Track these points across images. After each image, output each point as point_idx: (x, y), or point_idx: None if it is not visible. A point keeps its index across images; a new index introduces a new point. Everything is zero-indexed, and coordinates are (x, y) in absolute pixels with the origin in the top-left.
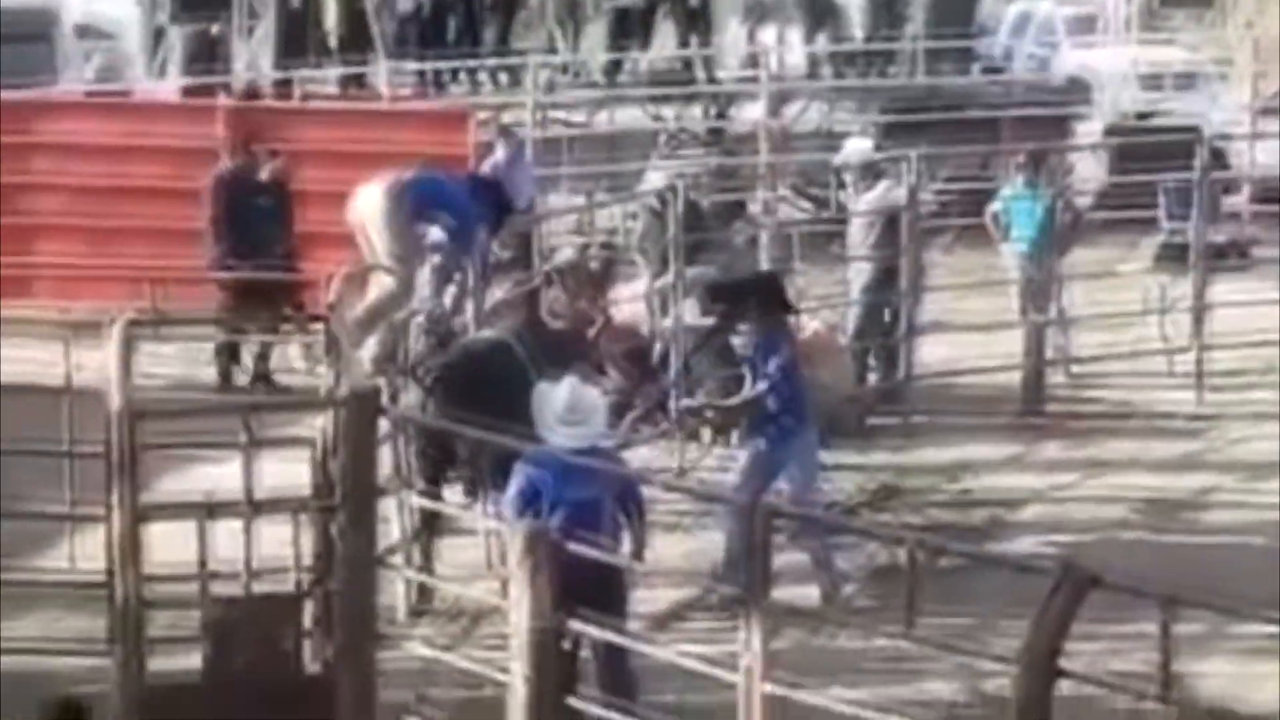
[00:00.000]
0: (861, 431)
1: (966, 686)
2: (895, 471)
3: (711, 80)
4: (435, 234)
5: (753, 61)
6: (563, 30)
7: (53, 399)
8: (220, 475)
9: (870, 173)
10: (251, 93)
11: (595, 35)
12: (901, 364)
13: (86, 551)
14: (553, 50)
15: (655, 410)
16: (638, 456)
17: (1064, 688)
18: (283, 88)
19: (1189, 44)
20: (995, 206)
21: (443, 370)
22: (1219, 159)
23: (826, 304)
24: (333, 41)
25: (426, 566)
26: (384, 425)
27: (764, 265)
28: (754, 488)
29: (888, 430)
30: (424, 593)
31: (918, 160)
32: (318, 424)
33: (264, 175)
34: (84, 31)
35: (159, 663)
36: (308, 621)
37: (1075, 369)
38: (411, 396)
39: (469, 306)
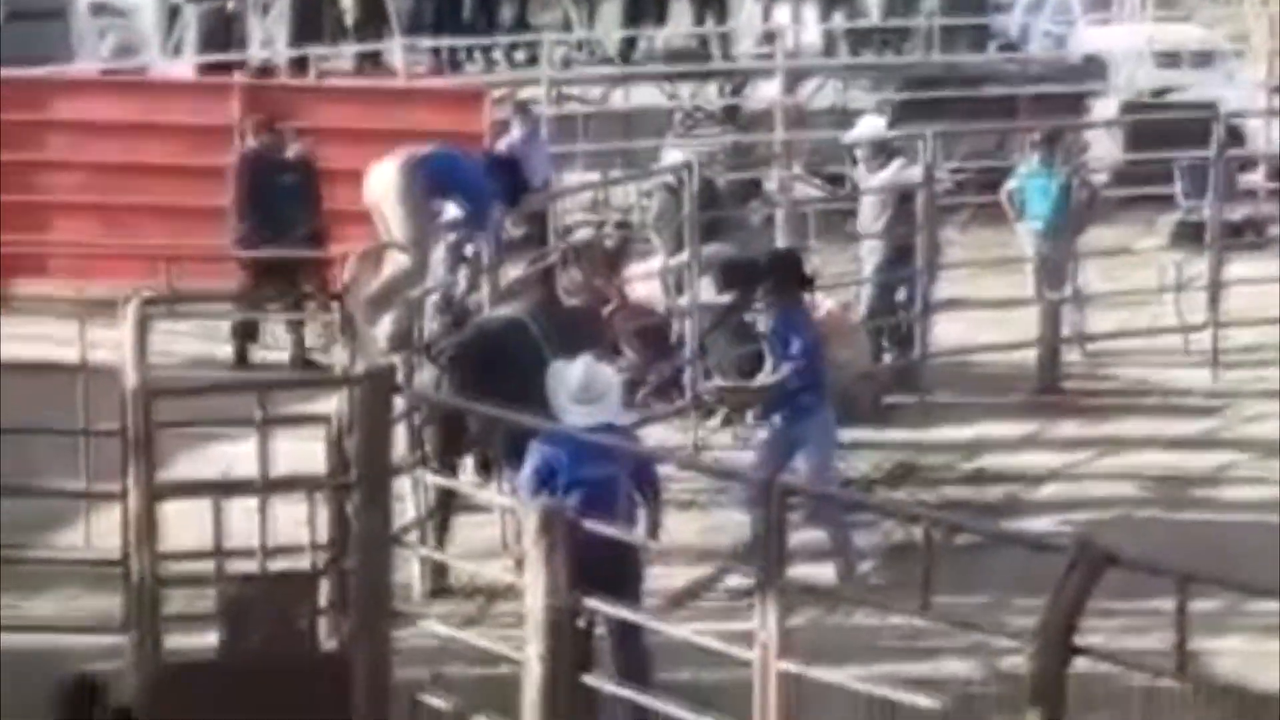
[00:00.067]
0: (877, 410)
1: (982, 664)
2: (911, 450)
3: (727, 58)
4: (450, 212)
5: (768, 39)
6: (578, 8)
7: (68, 378)
8: (235, 454)
9: (882, 151)
10: (266, 71)
11: (610, 13)
12: (917, 343)
13: (102, 530)
14: (568, 28)
15: (670, 388)
16: (653, 434)
17: (1079, 665)
18: (298, 66)
19: (1205, 21)
20: (1011, 185)
21: (458, 349)
22: (1235, 137)
23: (841, 282)
24: (348, 20)
25: (441, 545)
26: (399, 404)
27: (779, 244)
28: (772, 466)
29: (903, 409)
30: (439, 571)
31: (933, 138)
32: (333, 403)
33: (289, 154)
34: (99, 10)
35: (174, 641)
36: (323, 600)
37: (1091, 347)
38: (426, 375)
39: (484, 285)
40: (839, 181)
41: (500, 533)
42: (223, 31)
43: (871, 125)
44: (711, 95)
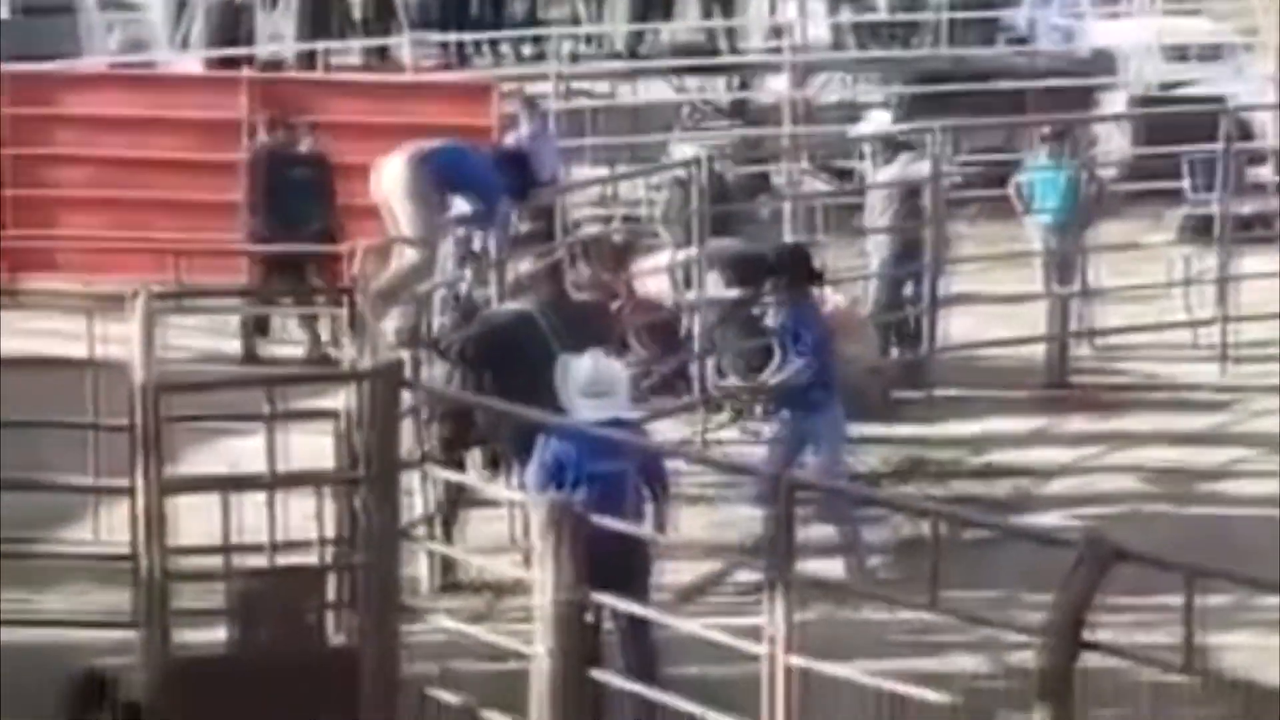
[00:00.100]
0: (885, 405)
1: (991, 659)
2: (919, 445)
3: (735, 53)
4: (459, 206)
5: (776, 34)
6: (586, 3)
7: (77, 373)
8: (244, 449)
9: (889, 146)
10: (274, 66)
11: (618, 8)
12: (925, 337)
13: (111, 525)
14: (576, 23)
15: (679, 383)
16: (661, 429)
17: (1088, 660)
18: (306, 60)
19: (1215, 15)
20: (1019, 179)
21: (468, 343)
22: (1244, 131)
23: (848, 277)
24: (356, 14)
25: (450, 540)
26: (408, 399)
27: (788, 238)
28: (782, 461)
29: (912, 404)
30: (448, 566)
31: (942, 133)
32: (342, 398)
33: (303, 149)
34: (107, 4)
35: (184, 636)
36: (332, 595)
37: (1099, 342)
38: (436, 370)
39: (492, 280)
40: (847, 176)
41: (509, 527)
42: (231, 26)
43: (878, 120)
44: (719, 90)
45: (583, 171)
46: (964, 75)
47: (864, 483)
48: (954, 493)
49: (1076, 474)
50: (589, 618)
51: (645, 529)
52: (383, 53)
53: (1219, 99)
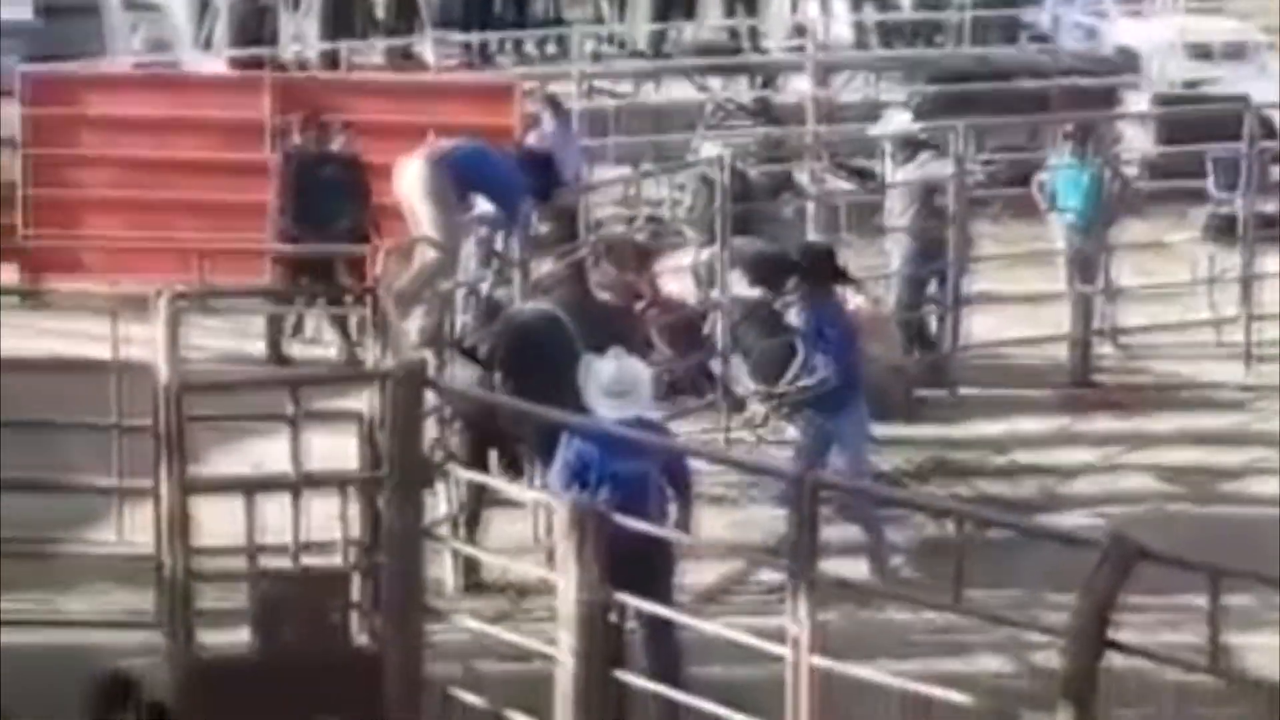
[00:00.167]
0: (909, 405)
1: (1015, 660)
2: (942, 445)
3: (758, 51)
4: (481, 206)
5: (799, 32)
6: (609, 2)
7: (100, 374)
8: (268, 449)
9: (908, 145)
10: (298, 66)
11: (641, 7)
12: (949, 336)
13: (135, 526)
14: (599, 21)
15: (702, 382)
16: (684, 428)
17: (1112, 660)
18: (329, 60)
19: (1238, 13)
20: (1042, 177)
21: (491, 343)
22: (1268, 129)
23: (870, 276)
24: (379, 13)
25: (474, 540)
26: (431, 399)
27: (812, 237)
28: (809, 460)
29: (935, 403)
30: (471, 567)
31: (965, 131)
32: (365, 398)
33: (334, 147)
34: (131, 4)
35: (207, 637)
36: (355, 595)
37: (1123, 341)
38: (458, 369)
39: (515, 279)
40: (868, 175)
41: (532, 528)
42: (254, 26)
43: (898, 119)
44: (742, 89)
45: (605, 171)
46: (986, 74)
47: (887, 482)
48: (977, 492)
49: (1100, 473)
50: (612, 618)
51: (668, 529)
52: (406, 52)
53: (1242, 97)
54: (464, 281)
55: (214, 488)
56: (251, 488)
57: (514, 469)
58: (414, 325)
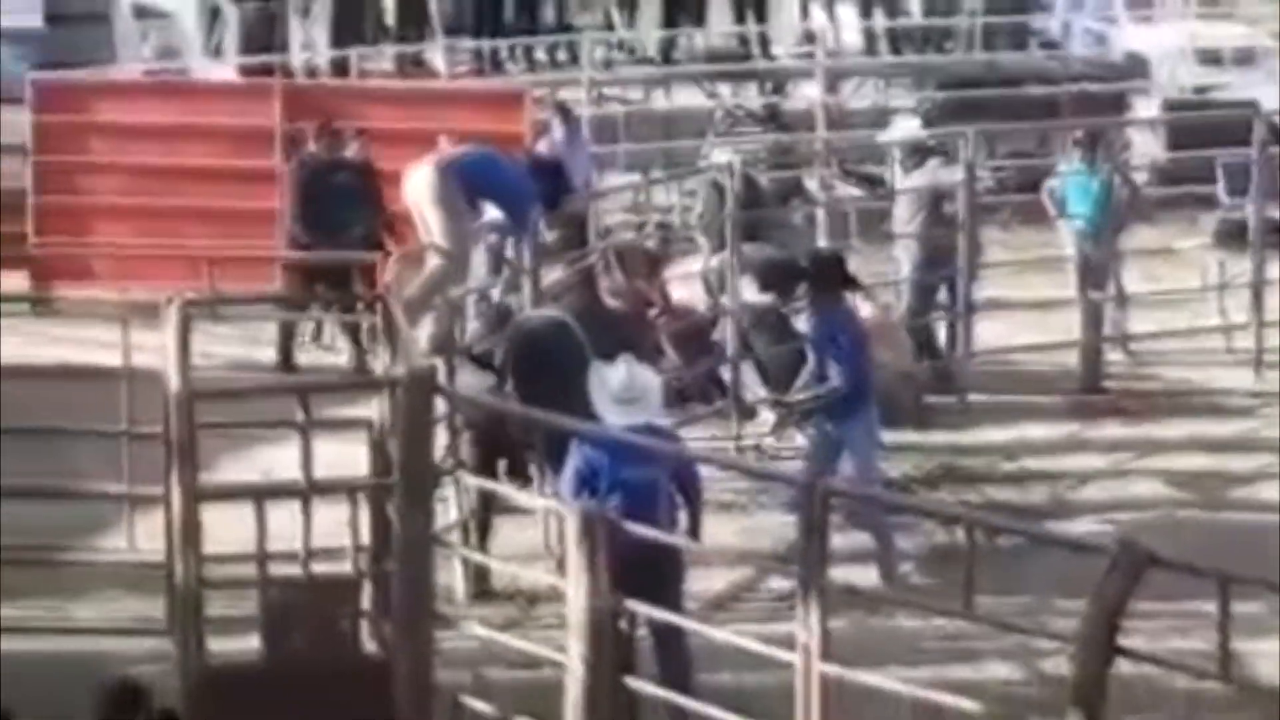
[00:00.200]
0: (918, 411)
1: (1024, 666)
2: (952, 451)
3: (767, 58)
4: (491, 212)
5: (808, 39)
6: (619, 8)
7: (110, 381)
8: (277, 456)
9: (916, 151)
10: (309, 73)
11: (650, 13)
12: (959, 343)
13: (145, 533)
14: (609, 28)
15: (711, 388)
16: (693, 435)
17: (1121, 667)
18: (339, 67)
19: (1248, 19)
20: (1052, 183)
21: (501, 350)
22: (1277, 135)
23: (878, 282)
24: (389, 20)
25: (483, 547)
26: (440, 406)
27: (821, 243)
28: (819, 467)
29: (944, 410)
30: (481, 574)
31: (974, 137)
32: (374, 405)
33: (347, 154)
34: (141, 12)
35: (217, 644)
36: (365, 603)
37: (1133, 347)
38: (468, 376)
39: (524, 286)
40: (876, 181)
41: (542, 535)
42: (264, 33)
43: (906, 126)
44: (752, 95)
45: (615, 178)
46: (996, 80)
47: (896, 489)
48: (986, 499)
49: (1109, 480)
50: (622, 625)
51: (677, 536)
52: (415, 59)
53: (1252, 103)
54: (474, 288)
55: (223, 495)
56: (261, 495)
57: (519, 475)
58: (423, 332)
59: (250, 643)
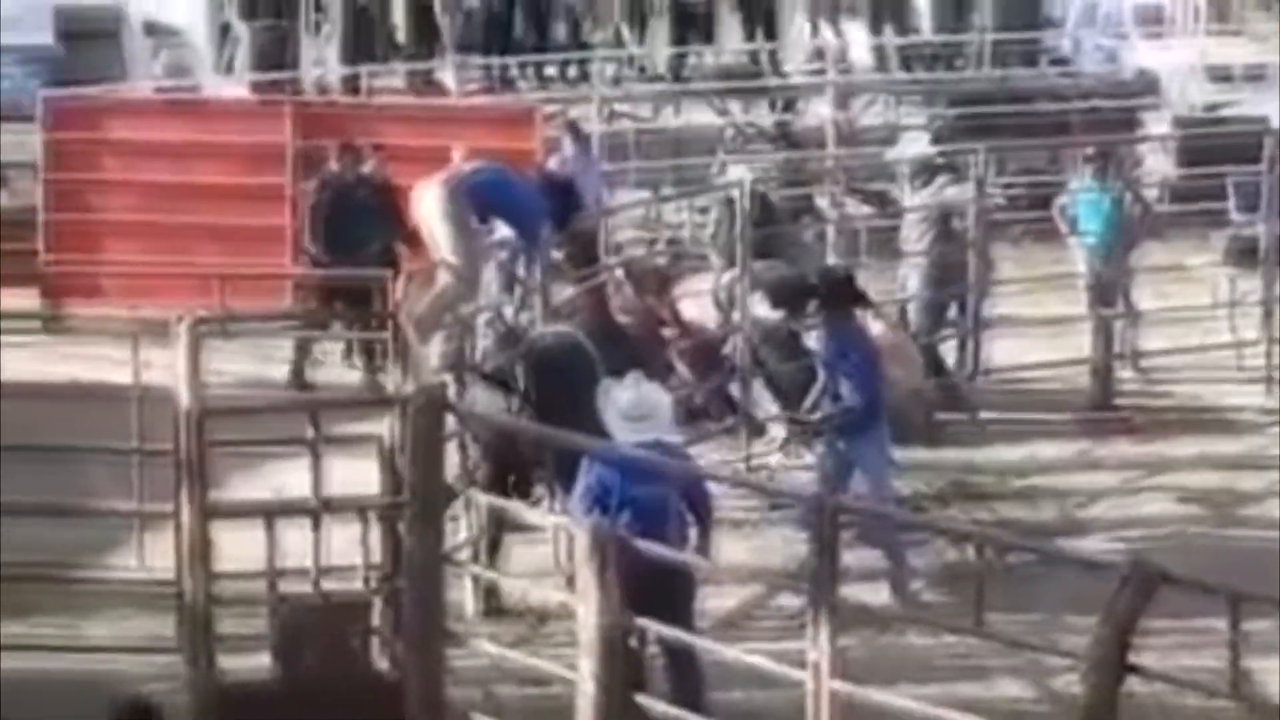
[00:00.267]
0: (929, 428)
1: (1035, 684)
2: (963, 469)
3: (778, 75)
4: (502, 230)
5: (819, 56)
6: (629, 26)
7: (121, 399)
8: (288, 474)
9: (925, 169)
10: (319, 90)
11: (660, 31)
12: (969, 360)
13: (156, 551)
14: (619, 46)
15: (722, 406)
16: (704, 453)
17: (1132, 685)
18: (350, 85)
19: (1258, 37)
20: (1063, 201)
21: (517, 368)
22: None
23: (889, 300)
24: (400, 38)
25: (494, 565)
26: (451, 424)
27: (832, 261)
28: (832, 485)
29: (955, 427)
30: (492, 591)
31: (985, 155)
32: (386, 423)
33: (365, 170)
34: (152, 29)
35: (228, 662)
36: (376, 621)
37: (1144, 365)
38: (479, 394)
39: (535, 303)
40: (886, 200)
41: (553, 552)
42: (275, 51)
43: (914, 144)
44: (762, 113)
45: (625, 195)
46: (1007, 97)
47: (908, 507)
48: (997, 517)
49: (1121, 497)
50: (632, 643)
51: (688, 554)
52: (427, 77)
53: (1262, 120)
54: (485, 306)
55: (234, 513)
56: (272, 513)
57: (524, 492)
58: (434, 350)
59: (261, 661)
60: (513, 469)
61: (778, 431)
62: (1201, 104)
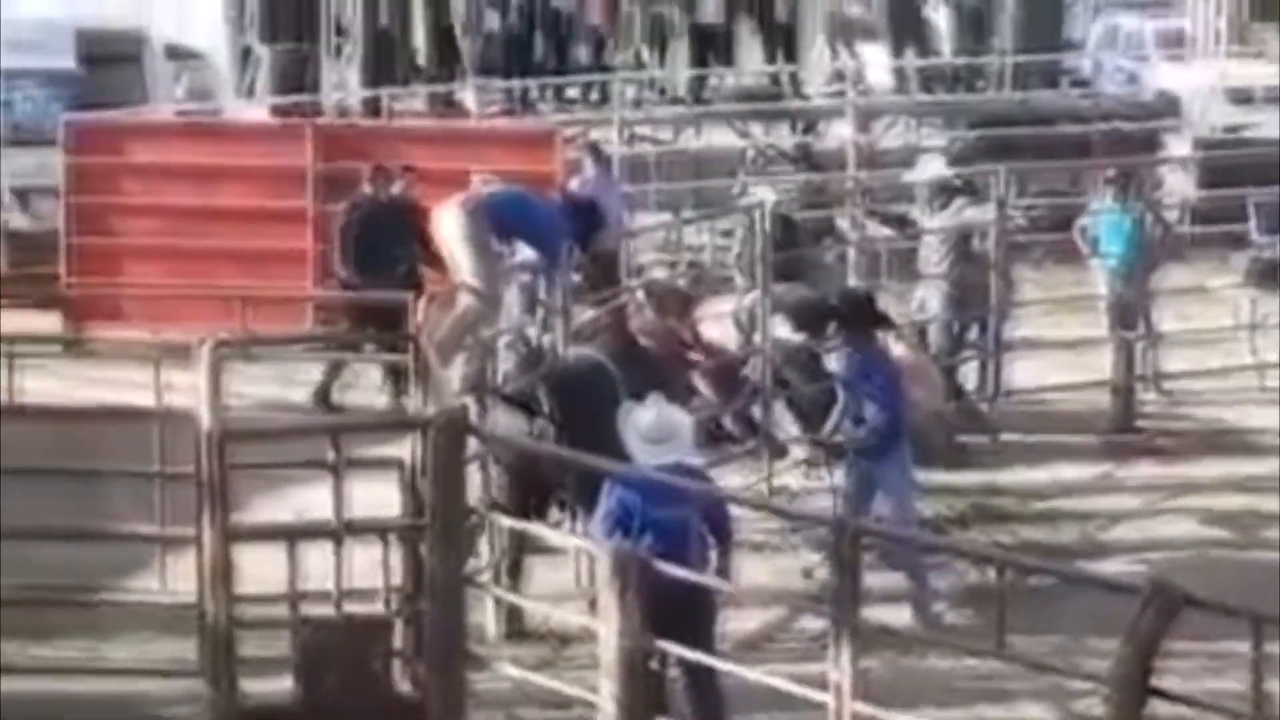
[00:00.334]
0: (950, 451)
1: (1057, 707)
2: (985, 491)
3: (798, 97)
4: (524, 252)
5: (839, 78)
6: (650, 48)
7: (143, 421)
8: (310, 497)
9: (943, 191)
10: (339, 112)
11: (680, 53)
12: (990, 382)
13: (177, 574)
14: (640, 68)
15: (743, 428)
16: (725, 475)
17: (1155, 708)
18: (371, 107)
19: (1278, 57)
20: (1084, 222)
21: (540, 390)
22: None
23: (910, 322)
24: (421, 60)
25: (516, 588)
26: (473, 446)
27: (853, 283)
28: (852, 507)
29: (976, 449)
30: (514, 614)
31: (1006, 176)
32: (407, 445)
33: (394, 190)
34: (174, 52)
35: (250, 685)
36: (398, 643)
37: (1165, 386)
38: (500, 417)
39: (557, 326)
40: (906, 222)
41: (574, 575)
42: (296, 74)
43: (932, 165)
44: (783, 135)
45: (646, 217)
46: (1028, 119)
47: (929, 529)
48: (1019, 539)
49: (1142, 519)
50: (654, 666)
51: (709, 576)
52: (447, 99)
53: None
54: (506, 328)
55: (256, 535)
56: (294, 535)
57: (544, 514)
58: (456, 372)
59: (283, 684)
60: (534, 491)
61: (799, 453)
62: (1222, 125)
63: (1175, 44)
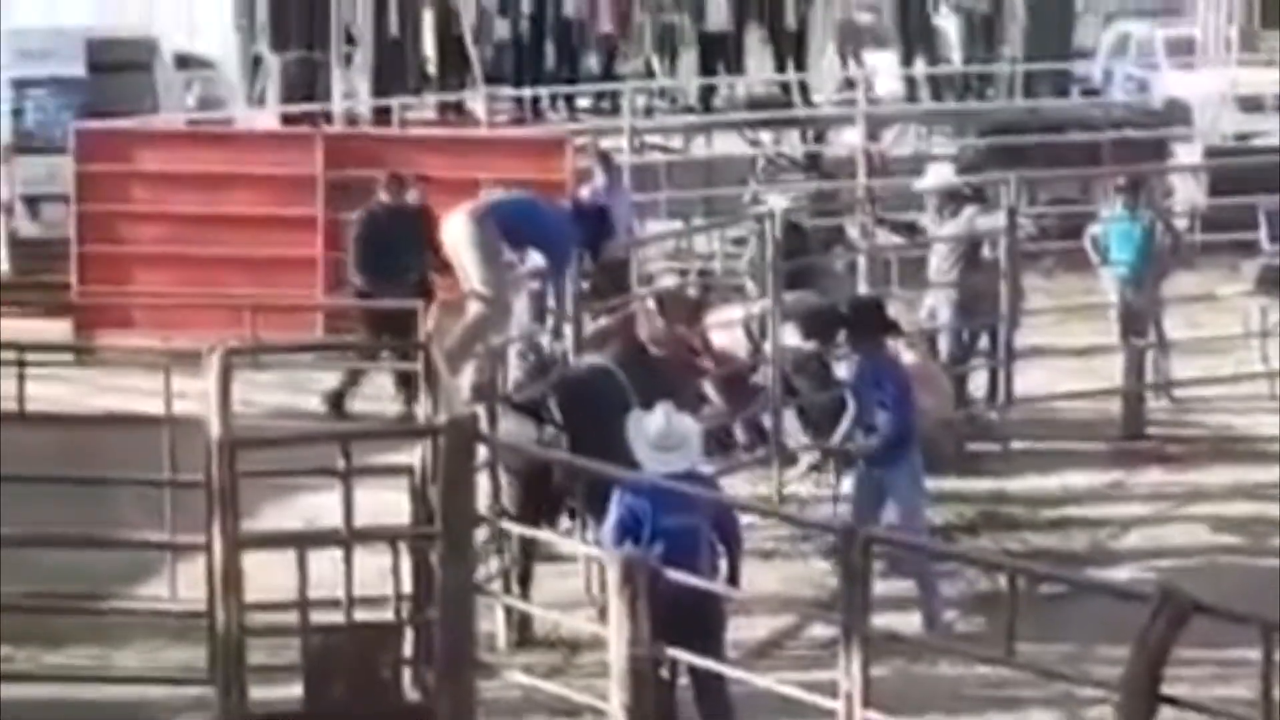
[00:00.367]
0: (960, 458)
1: (1067, 714)
2: (994, 498)
3: (808, 105)
4: (534, 259)
5: (849, 86)
6: (659, 56)
7: (153, 429)
8: (319, 504)
9: (952, 199)
10: (349, 120)
11: (690, 61)
12: (1000, 390)
13: (187, 581)
14: (650, 76)
15: (752, 436)
16: (734, 483)
17: (1165, 715)
18: (381, 115)
19: None
20: (1094, 230)
21: (550, 398)
22: None
23: (919, 330)
24: (431, 68)
25: (525, 595)
26: (482, 453)
27: (863, 290)
28: (862, 514)
29: (986, 457)
30: (523, 622)
31: (1016, 184)
32: (416, 452)
33: (408, 198)
34: (184, 61)
35: (259, 692)
36: (407, 650)
37: (1175, 394)
38: (510, 424)
39: (567, 333)
40: (915, 229)
41: (584, 582)
42: (306, 82)
43: (939, 174)
44: (793, 142)
45: (656, 225)
46: (1038, 127)
47: (938, 536)
48: (1029, 546)
49: (1152, 527)
50: (663, 673)
51: (719, 584)
52: (457, 107)
53: None
54: (516, 336)
55: (265, 543)
56: (303, 543)
57: (554, 522)
58: (465, 380)
59: (292, 691)
60: (544, 499)
61: (809, 461)
62: (1232, 133)
63: (1185, 51)
